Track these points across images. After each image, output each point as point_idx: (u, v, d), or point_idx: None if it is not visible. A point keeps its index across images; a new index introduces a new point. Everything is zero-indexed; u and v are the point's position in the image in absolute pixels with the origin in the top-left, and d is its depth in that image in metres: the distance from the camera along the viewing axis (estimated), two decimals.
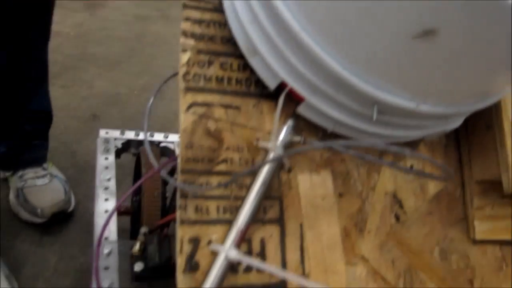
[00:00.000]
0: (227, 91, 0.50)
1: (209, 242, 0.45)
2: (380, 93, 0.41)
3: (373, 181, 0.54)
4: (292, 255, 0.48)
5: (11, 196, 1.01)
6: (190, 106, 0.48)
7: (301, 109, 0.49)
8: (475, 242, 0.57)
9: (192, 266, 0.44)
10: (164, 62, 1.89)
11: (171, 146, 0.96)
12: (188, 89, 0.48)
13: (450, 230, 0.56)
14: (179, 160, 0.46)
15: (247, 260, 0.43)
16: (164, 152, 0.95)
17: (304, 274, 0.48)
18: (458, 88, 0.42)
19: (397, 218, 0.54)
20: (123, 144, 0.93)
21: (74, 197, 1.06)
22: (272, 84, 0.48)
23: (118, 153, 0.92)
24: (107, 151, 0.88)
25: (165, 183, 0.86)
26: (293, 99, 0.49)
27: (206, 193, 0.46)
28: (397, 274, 0.52)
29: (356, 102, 0.44)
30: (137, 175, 0.92)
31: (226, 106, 0.49)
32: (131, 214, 0.86)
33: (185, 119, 0.47)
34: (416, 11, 0.33)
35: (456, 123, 0.52)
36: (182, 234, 0.44)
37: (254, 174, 0.47)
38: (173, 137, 0.97)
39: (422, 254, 0.54)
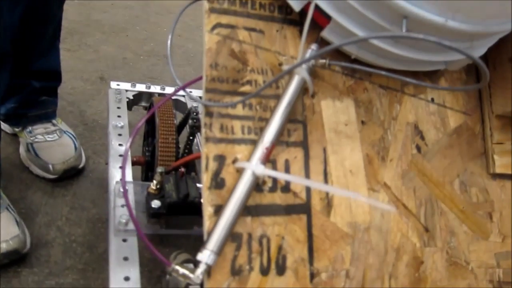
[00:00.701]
0: (251, 14, 0.49)
1: (235, 161, 0.45)
2: (410, 6, 0.41)
3: (395, 111, 0.53)
4: (316, 178, 0.48)
5: (22, 150, 1.01)
6: (214, 27, 0.47)
7: (326, 33, 0.48)
8: (494, 177, 0.58)
9: (217, 183, 0.44)
10: (169, 31, 1.88)
11: (182, 99, 0.95)
12: (212, 10, 0.48)
13: (469, 164, 0.56)
14: (203, 79, 0.46)
15: (274, 174, 0.43)
16: (176, 104, 0.95)
17: (327, 197, 0.48)
18: (486, 4, 0.42)
19: (418, 149, 0.54)
20: (134, 96, 0.92)
21: (85, 152, 1.06)
22: (297, 6, 0.47)
23: (129, 105, 0.92)
24: (119, 101, 0.87)
25: (178, 132, 0.86)
26: (317, 27, 0.48)
27: (231, 112, 0.46)
28: (418, 203, 0.52)
29: (384, 18, 0.43)
30: (149, 128, 0.92)
31: (250, 29, 0.49)
32: (143, 164, 0.86)
33: (210, 39, 0.47)
34: None
35: (480, 51, 0.51)
36: (207, 151, 0.44)
37: (278, 97, 0.47)
38: (184, 92, 0.96)
39: (442, 185, 0.54)
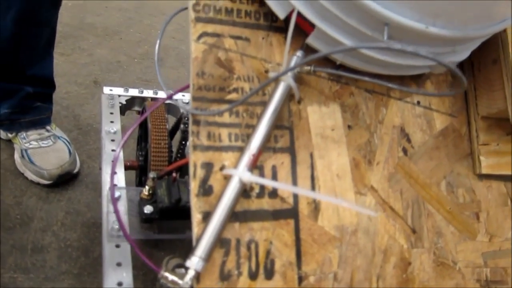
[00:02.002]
0: (237, 22, 0.50)
1: (222, 168, 0.46)
2: (391, 13, 0.42)
3: (381, 115, 0.54)
4: (303, 183, 0.48)
5: (16, 157, 1.01)
6: (200, 36, 0.48)
7: (311, 40, 0.49)
8: (481, 177, 0.58)
9: (205, 190, 0.45)
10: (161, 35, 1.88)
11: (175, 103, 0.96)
12: (198, 19, 0.48)
13: (456, 165, 0.57)
14: (190, 88, 0.47)
15: (260, 181, 0.44)
16: (169, 108, 0.95)
17: (315, 201, 0.48)
18: (466, 9, 0.43)
19: (405, 151, 0.54)
20: (127, 101, 0.93)
21: (79, 157, 1.07)
22: (282, 14, 0.48)
23: (122, 110, 0.92)
24: (111, 106, 0.88)
25: (171, 136, 0.87)
26: (302, 33, 0.49)
27: (218, 120, 0.47)
28: (406, 204, 0.53)
29: (366, 25, 0.44)
30: (142, 133, 0.92)
31: (236, 37, 0.49)
32: (137, 168, 0.87)
33: (196, 48, 0.48)
34: None
35: (463, 54, 0.52)
36: (195, 159, 0.45)
37: (264, 104, 0.48)
38: (177, 95, 0.97)
39: (429, 187, 0.55)
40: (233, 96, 0.48)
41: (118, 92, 0.93)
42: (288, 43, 0.45)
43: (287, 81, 0.47)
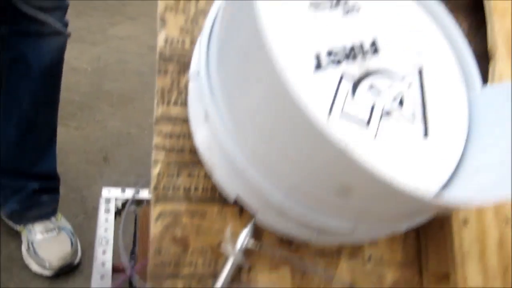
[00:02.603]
0: (194, 199, 0.56)
1: None
2: (317, 218, 0.47)
3: (330, 275, 0.58)
4: None
5: (23, 248, 1.09)
6: (159, 216, 0.54)
7: (258, 218, 0.54)
8: None
9: None
10: None
11: None
12: (157, 200, 0.54)
13: None
14: (148, 266, 0.52)
15: None
16: None
17: None
18: (385, 218, 0.47)
19: None
20: (123, 204, 0.99)
21: (82, 244, 1.14)
22: (230, 198, 0.53)
23: (119, 211, 0.99)
24: (108, 211, 0.95)
25: None
26: None
27: None
28: None
29: (303, 219, 0.49)
30: (136, 231, 0.98)
31: (193, 213, 0.55)
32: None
33: (154, 228, 0.53)
34: (334, 178, 0.38)
35: (404, 226, 0.56)
36: None
37: (216, 275, 0.53)
38: None
39: None
40: (186, 270, 0.53)
41: (115, 195, 1.00)
42: (228, 236, 0.50)
43: (235, 257, 0.53)
